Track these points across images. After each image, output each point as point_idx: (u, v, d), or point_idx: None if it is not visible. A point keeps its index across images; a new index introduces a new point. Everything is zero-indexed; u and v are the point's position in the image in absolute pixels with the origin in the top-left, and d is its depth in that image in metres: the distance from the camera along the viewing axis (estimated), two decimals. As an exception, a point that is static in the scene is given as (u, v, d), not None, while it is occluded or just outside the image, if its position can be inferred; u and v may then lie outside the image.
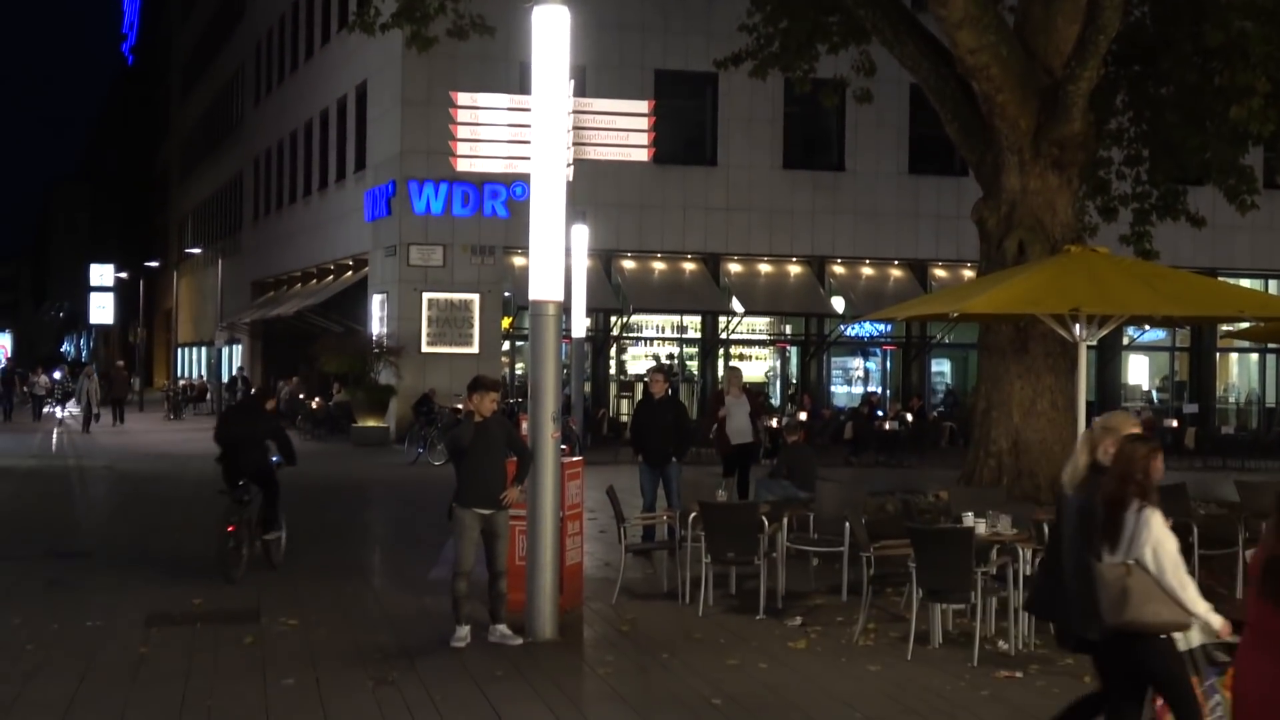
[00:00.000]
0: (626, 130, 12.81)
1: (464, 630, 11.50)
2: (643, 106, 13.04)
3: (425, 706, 9.65)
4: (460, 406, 20.61)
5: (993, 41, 17.50)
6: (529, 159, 12.15)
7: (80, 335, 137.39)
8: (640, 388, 33.76)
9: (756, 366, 40.85)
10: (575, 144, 12.44)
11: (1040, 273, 14.79)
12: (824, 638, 12.05)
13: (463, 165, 12.86)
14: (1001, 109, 17.83)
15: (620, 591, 13.81)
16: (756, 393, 26.14)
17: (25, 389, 52.88)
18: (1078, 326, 14.16)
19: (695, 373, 40.15)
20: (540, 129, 11.97)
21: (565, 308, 14.35)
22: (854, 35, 21.89)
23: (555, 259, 12.03)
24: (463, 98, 12.78)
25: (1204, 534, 14.31)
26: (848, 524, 13.52)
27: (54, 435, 40.26)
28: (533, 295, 12.03)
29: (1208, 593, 13.74)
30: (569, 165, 12.32)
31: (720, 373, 37.77)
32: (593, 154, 12.74)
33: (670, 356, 39.85)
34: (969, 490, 16.30)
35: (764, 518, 13.31)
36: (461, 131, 12.67)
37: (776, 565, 13.68)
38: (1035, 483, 17.68)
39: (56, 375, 60.84)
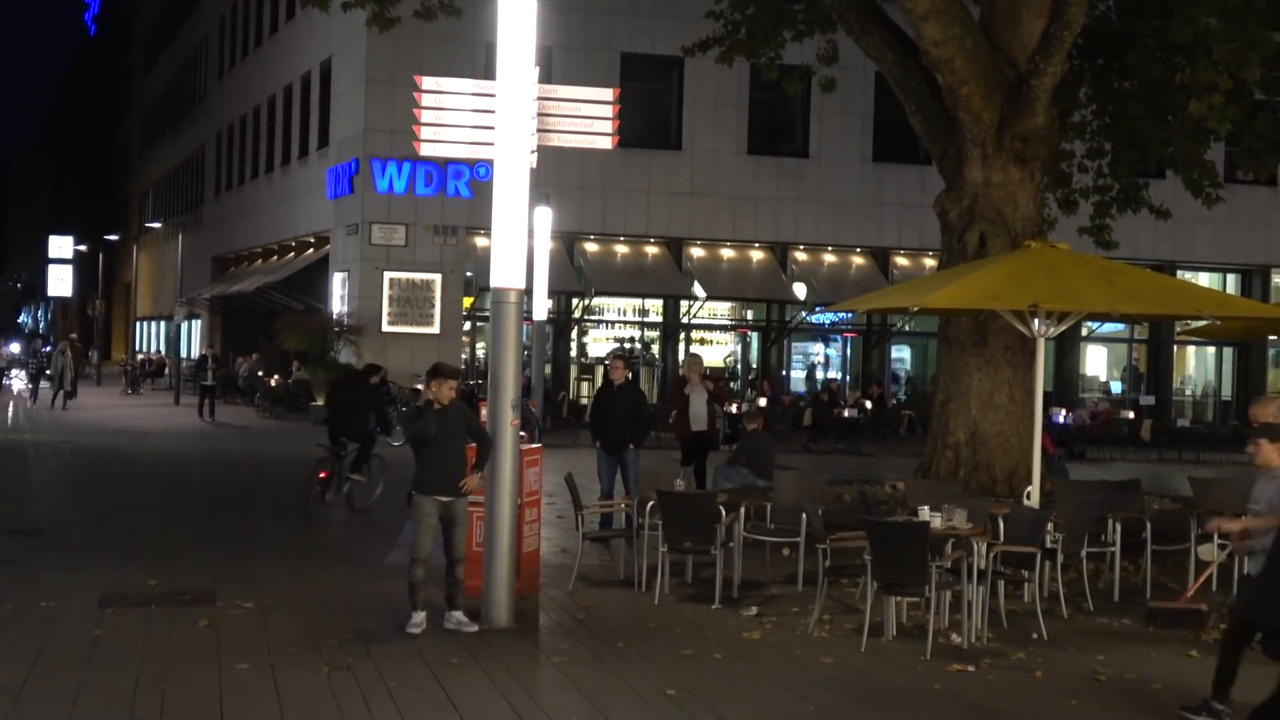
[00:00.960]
0: (591, 117, 12.80)
1: (420, 616, 11.50)
2: (607, 94, 13.00)
3: (380, 692, 9.65)
4: (420, 388, 20.76)
5: (958, 34, 17.54)
6: (493, 145, 12.12)
7: (38, 307, 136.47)
8: (601, 371, 33.82)
9: (717, 351, 40.94)
10: (539, 130, 12.43)
11: (1000, 268, 14.85)
12: (779, 628, 12.10)
13: (426, 150, 12.83)
14: (965, 102, 17.87)
15: (577, 579, 13.83)
16: (717, 379, 26.22)
17: None
18: (1036, 322, 14.23)
19: (656, 356, 40.17)
20: (505, 116, 11.93)
21: (527, 290, 14.32)
22: (820, 24, 21.92)
23: (518, 246, 12.01)
24: (427, 82, 12.72)
25: (1156, 530, 14.46)
26: (804, 514, 13.58)
27: (9, 409, 39.94)
28: (494, 283, 12.01)
29: (1158, 589, 13.90)
30: (533, 152, 12.30)
31: (681, 357, 37.84)
32: (557, 140, 12.73)
33: (630, 340, 39.85)
34: (926, 483, 16.36)
35: (721, 507, 13.34)
36: (426, 115, 12.61)
37: (733, 554, 13.72)
38: (992, 475, 17.80)
39: (14, 348, 60.33)
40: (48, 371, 42.22)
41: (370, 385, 19.24)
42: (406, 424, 12.60)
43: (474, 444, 11.88)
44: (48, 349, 47.58)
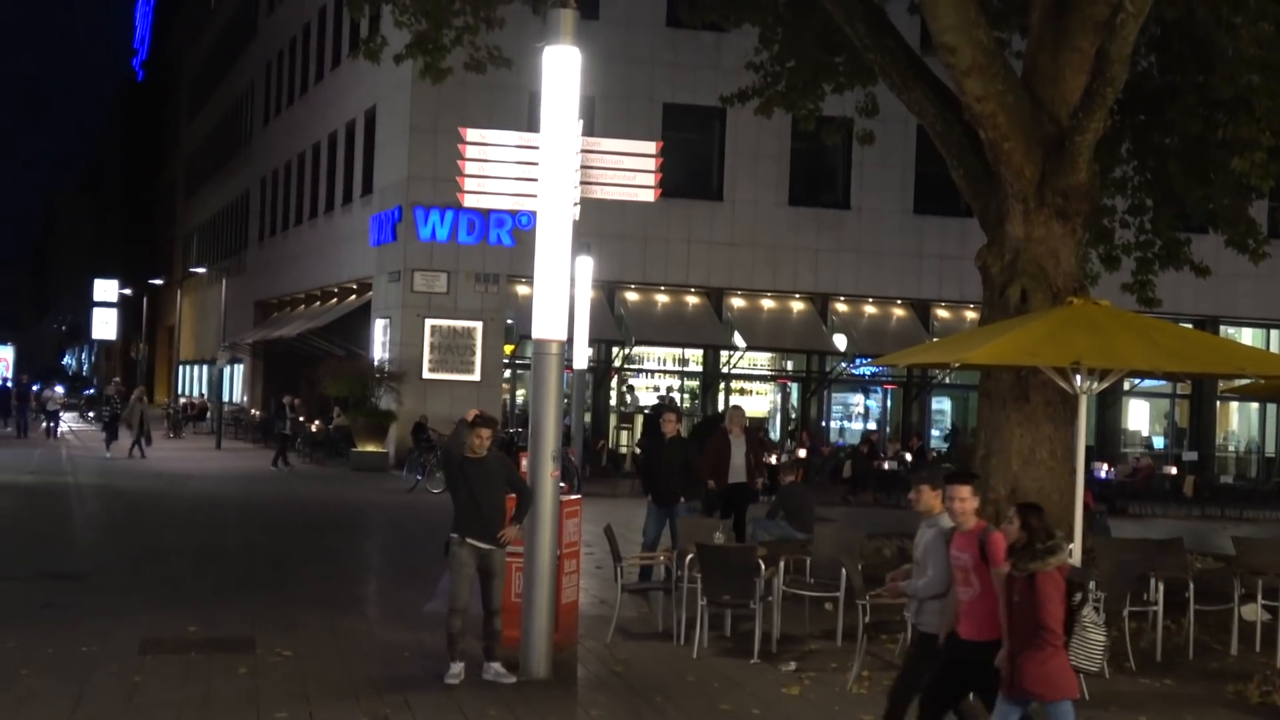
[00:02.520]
0: (634, 170, 12.87)
1: (458, 667, 11.50)
2: (650, 147, 13.07)
3: (417, 744, 9.66)
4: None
5: (1000, 90, 17.53)
6: (535, 197, 12.19)
7: (82, 349, 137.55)
8: (640, 420, 33.81)
9: (757, 402, 40.86)
10: (582, 183, 12.50)
11: (1042, 324, 14.81)
12: (817, 684, 12.05)
13: (470, 201, 12.92)
14: (1007, 157, 17.84)
15: (615, 631, 13.80)
16: (756, 429, 26.17)
17: (38, 405, 51.95)
18: (1078, 378, 14.18)
19: (697, 405, 40.12)
20: (548, 168, 12.01)
21: (568, 339, 14.38)
22: (860, 76, 21.94)
23: (560, 297, 12.08)
24: (471, 134, 12.80)
25: (1199, 589, 14.33)
26: (844, 570, 13.52)
27: (58, 452, 40.08)
28: (536, 334, 12.07)
29: (1201, 649, 13.73)
30: (576, 204, 12.37)
31: (721, 407, 37.78)
32: (599, 193, 12.80)
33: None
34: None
35: (760, 561, 13.31)
36: (469, 167, 12.68)
37: (772, 609, 13.68)
38: (1032, 531, 17.65)
39: (59, 389, 60.48)
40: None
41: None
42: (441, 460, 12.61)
43: (513, 494, 11.90)
44: (90, 392, 47.42)
